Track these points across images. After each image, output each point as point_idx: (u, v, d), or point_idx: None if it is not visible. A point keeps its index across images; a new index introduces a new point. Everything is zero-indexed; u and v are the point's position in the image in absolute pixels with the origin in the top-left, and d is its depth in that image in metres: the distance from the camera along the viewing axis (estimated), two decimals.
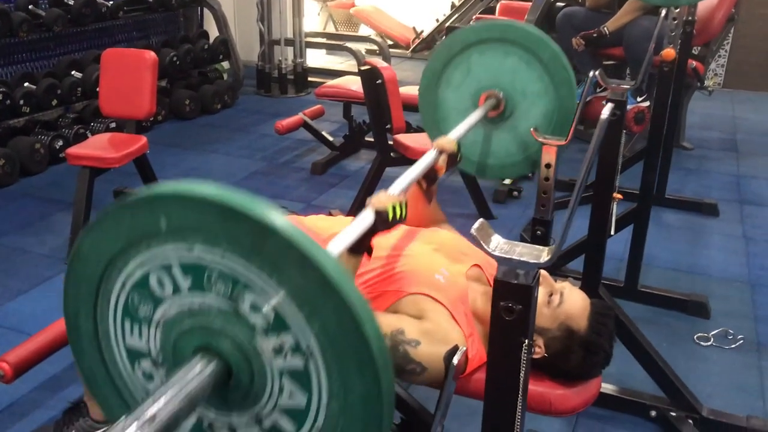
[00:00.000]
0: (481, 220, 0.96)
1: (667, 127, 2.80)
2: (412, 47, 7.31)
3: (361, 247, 1.23)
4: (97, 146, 3.17)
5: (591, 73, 1.96)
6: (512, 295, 0.95)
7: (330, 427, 0.82)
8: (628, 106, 4.16)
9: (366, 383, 0.77)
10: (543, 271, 1.54)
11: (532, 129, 2.02)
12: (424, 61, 7.03)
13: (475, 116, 1.98)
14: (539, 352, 1.46)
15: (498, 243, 0.95)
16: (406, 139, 3.32)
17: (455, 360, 1.03)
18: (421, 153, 3.35)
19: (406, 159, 3.26)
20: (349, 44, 6.27)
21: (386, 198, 1.25)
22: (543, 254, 0.93)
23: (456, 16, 7.05)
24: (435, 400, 1.80)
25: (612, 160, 1.98)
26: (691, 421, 2.11)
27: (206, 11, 5.63)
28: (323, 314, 0.76)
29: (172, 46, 5.00)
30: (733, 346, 2.56)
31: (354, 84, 4.19)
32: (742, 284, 3.00)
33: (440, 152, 1.72)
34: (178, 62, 4.88)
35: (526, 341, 0.96)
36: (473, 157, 2.21)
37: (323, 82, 6.02)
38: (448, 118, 2.17)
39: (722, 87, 6.16)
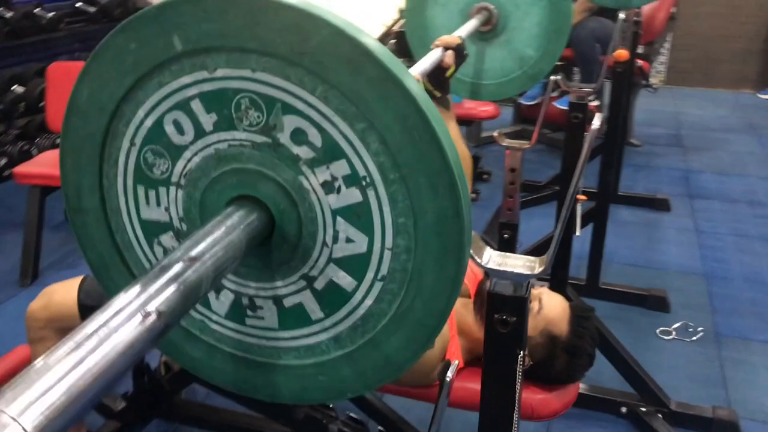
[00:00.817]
0: (473, 233, 0.96)
1: (620, 125, 2.86)
2: None
3: None
4: (47, 164, 3.07)
5: (551, 77, 1.98)
6: (507, 307, 0.95)
7: (397, 271, 0.70)
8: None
9: (441, 201, 0.65)
10: None
11: (495, 134, 2.03)
12: None
13: (470, 25, 1.85)
14: (526, 361, 1.47)
15: (490, 255, 0.95)
16: None
17: (450, 375, 1.02)
18: None
19: None
20: None
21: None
22: (536, 265, 0.93)
23: (402, 21, 7.06)
24: (410, 409, 1.79)
25: (575, 162, 2.00)
26: (660, 416, 2.15)
27: None
28: (383, 124, 0.64)
29: None
30: (694, 338, 2.62)
31: None
32: (698, 277, 3.08)
33: (445, 49, 1.59)
34: None
35: (522, 352, 0.96)
36: (466, 78, 2.10)
37: None
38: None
39: (664, 84, 6.33)
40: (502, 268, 0.94)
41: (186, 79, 0.69)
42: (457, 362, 1.02)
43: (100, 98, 0.72)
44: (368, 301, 0.72)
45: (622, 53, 2.53)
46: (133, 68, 0.69)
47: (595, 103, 4.41)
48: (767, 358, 2.51)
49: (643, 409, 2.16)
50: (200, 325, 0.81)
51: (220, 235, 0.65)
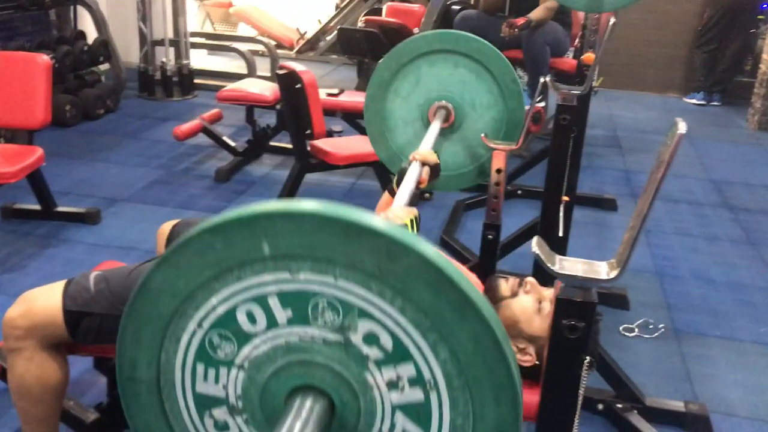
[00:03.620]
0: (537, 238, 0.94)
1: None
2: (296, 48, 7.21)
3: None
4: None
5: (542, 79, 2.00)
6: (576, 312, 0.94)
7: None
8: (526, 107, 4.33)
9: (502, 410, 0.70)
10: (532, 279, 1.55)
11: (482, 135, 2.03)
12: (309, 62, 6.96)
13: (435, 128, 1.96)
14: (530, 360, 1.47)
15: (559, 260, 0.93)
16: (325, 144, 3.25)
17: None
18: (343, 158, 3.30)
19: (327, 165, 3.20)
20: (236, 45, 6.12)
21: (403, 212, 1.20)
22: (607, 270, 0.92)
23: (340, 17, 7.02)
24: None
25: (561, 164, 2.02)
26: (635, 411, 2.20)
27: (80, 11, 5.27)
28: (456, 340, 0.69)
29: (48, 47, 4.63)
30: (655, 335, 2.70)
31: (254, 86, 4.07)
32: (651, 275, 3.18)
33: (423, 165, 1.68)
34: (57, 65, 4.53)
35: (588, 358, 0.96)
36: None
37: (209, 84, 5.80)
38: (396, 129, 2.15)
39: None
40: (572, 273, 0.92)
41: (267, 278, 0.71)
42: None
43: (176, 285, 0.73)
44: None
45: (590, 57, 2.58)
46: (215, 264, 0.71)
47: (542, 104, 4.51)
48: (724, 352, 2.62)
49: (620, 406, 2.20)
50: None
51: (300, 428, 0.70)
